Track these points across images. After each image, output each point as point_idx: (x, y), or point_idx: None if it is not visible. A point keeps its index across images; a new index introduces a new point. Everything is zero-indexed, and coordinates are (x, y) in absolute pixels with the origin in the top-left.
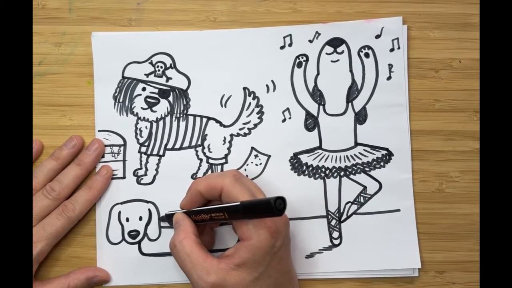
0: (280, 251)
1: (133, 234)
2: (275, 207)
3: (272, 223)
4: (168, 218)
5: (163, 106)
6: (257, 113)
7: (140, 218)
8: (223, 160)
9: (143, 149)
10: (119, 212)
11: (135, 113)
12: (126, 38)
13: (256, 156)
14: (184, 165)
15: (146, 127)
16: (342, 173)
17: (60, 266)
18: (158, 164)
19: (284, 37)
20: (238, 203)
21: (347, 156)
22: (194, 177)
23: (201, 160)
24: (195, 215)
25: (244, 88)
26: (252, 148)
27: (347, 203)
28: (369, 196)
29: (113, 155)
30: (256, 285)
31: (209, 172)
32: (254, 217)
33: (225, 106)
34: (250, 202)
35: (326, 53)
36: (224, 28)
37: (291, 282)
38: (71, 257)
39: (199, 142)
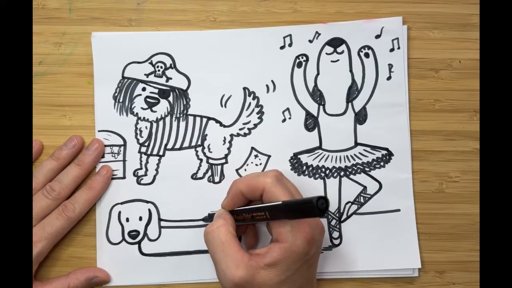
0: (312, 259)
1: (133, 234)
2: (317, 207)
3: (310, 230)
4: (211, 217)
5: (163, 106)
6: (257, 113)
7: (140, 218)
8: (223, 160)
9: (143, 149)
10: (119, 212)
11: (135, 113)
12: (126, 38)
13: (256, 156)
14: (184, 165)
15: (146, 127)
16: (342, 173)
17: (60, 266)
18: (158, 164)
19: (284, 37)
20: (280, 202)
21: (347, 156)
22: (194, 177)
23: (201, 160)
24: (237, 215)
25: (244, 88)
26: (252, 148)
27: (347, 203)
28: (369, 196)
29: (113, 155)
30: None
31: (209, 172)
32: (295, 217)
33: (225, 106)
34: (291, 202)
35: (326, 53)
36: (224, 28)
37: None
38: (71, 257)
39: (199, 142)
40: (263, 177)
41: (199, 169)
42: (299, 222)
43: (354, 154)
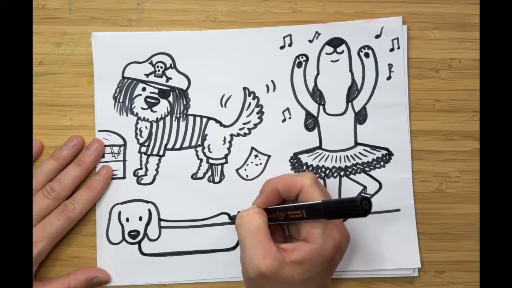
0: (334, 265)
1: (133, 234)
2: (360, 207)
3: (339, 237)
4: None
5: (163, 106)
6: (257, 113)
7: (140, 218)
8: (223, 160)
9: (143, 149)
10: (119, 212)
11: (135, 113)
12: (126, 38)
13: (256, 156)
14: (184, 165)
15: (146, 127)
16: (342, 173)
17: (60, 266)
18: (158, 164)
19: (284, 37)
20: (320, 201)
21: (347, 156)
22: (194, 177)
23: (201, 160)
24: (270, 213)
25: (244, 88)
26: (252, 148)
27: None
28: (369, 196)
29: (113, 155)
30: (302, 287)
31: (209, 172)
32: (335, 217)
33: (225, 106)
34: (333, 201)
35: (326, 53)
36: (224, 28)
37: None
38: (71, 257)
39: (199, 142)
40: (301, 178)
41: (199, 169)
42: (330, 227)
43: (354, 154)
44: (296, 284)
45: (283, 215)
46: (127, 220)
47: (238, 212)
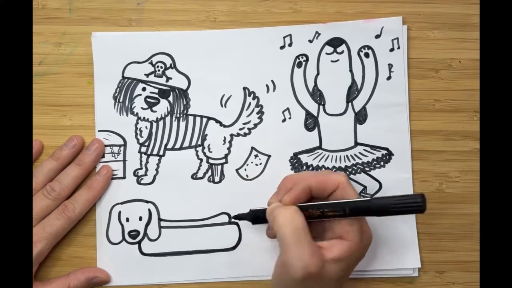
0: (356, 265)
1: (133, 234)
2: (422, 203)
3: (371, 233)
4: (254, 214)
5: (163, 106)
6: (257, 113)
7: (140, 218)
8: (223, 160)
9: (143, 149)
10: (119, 212)
11: (135, 113)
12: (126, 38)
13: (256, 156)
14: (184, 165)
15: (146, 127)
16: None
17: (60, 266)
18: (158, 164)
19: (284, 37)
20: (369, 199)
21: (347, 156)
22: (194, 177)
23: (201, 160)
24: (302, 211)
25: (244, 88)
26: (252, 148)
27: None
28: (369, 196)
29: (113, 155)
30: (336, 286)
31: (209, 172)
32: (386, 214)
33: (225, 106)
34: (392, 198)
35: (326, 53)
36: (224, 28)
37: None
38: (71, 257)
39: (199, 142)
40: (336, 175)
41: (199, 169)
42: (364, 224)
43: (354, 154)
44: (330, 283)
45: (317, 213)
46: (127, 220)
47: (250, 209)
